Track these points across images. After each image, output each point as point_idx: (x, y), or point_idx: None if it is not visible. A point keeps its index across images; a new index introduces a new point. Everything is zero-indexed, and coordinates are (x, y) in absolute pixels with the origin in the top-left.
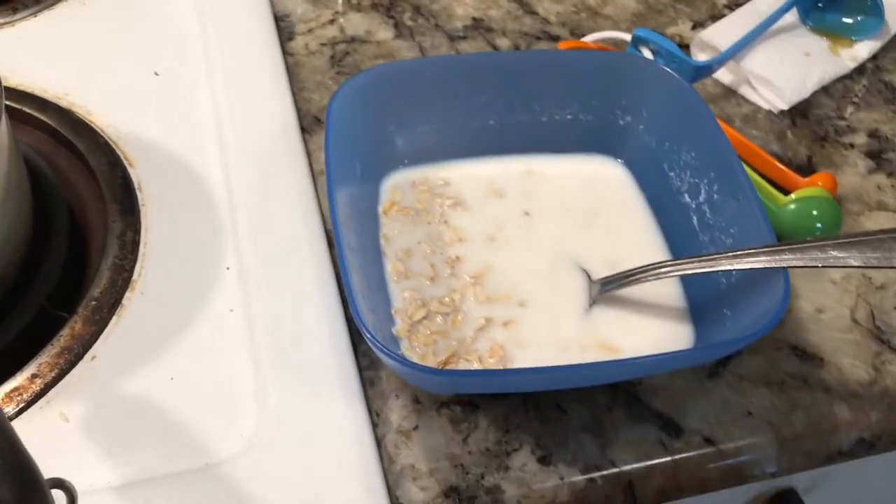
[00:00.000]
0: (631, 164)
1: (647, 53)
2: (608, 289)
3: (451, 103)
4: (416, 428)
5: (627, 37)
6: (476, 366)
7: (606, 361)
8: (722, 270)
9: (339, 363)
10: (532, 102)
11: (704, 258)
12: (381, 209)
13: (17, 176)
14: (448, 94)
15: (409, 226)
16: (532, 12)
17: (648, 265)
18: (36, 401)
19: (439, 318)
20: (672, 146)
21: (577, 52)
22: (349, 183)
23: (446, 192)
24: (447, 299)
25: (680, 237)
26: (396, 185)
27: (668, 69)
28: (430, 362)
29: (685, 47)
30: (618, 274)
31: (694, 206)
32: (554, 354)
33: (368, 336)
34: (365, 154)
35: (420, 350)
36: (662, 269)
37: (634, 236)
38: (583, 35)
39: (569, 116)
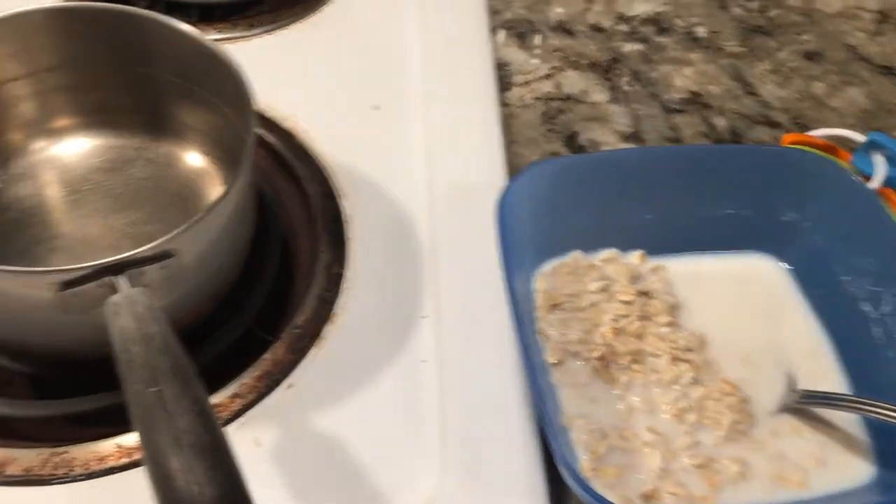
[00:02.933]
0: (793, 264)
1: (878, 160)
2: (805, 403)
3: (611, 197)
4: None
5: (858, 137)
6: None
7: None
8: None
9: (524, 443)
10: (693, 198)
11: None
12: (537, 301)
13: (251, 198)
14: (609, 189)
15: (567, 318)
16: (753, 94)
17: (863, 399)
18: (233, 420)
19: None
20: (846, 249)
21: (747, 148)
22: (519, 274)
23: (603, 283)
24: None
25: (856, 347)
26: (551, 273)
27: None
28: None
29: None
30: (824, 393)
31: (876, 316)
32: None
33: (578, 486)
34: (528, 244)
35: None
36: (879, 410)
37: (797, 340)
38: (806, 125)
39: (729, 212)
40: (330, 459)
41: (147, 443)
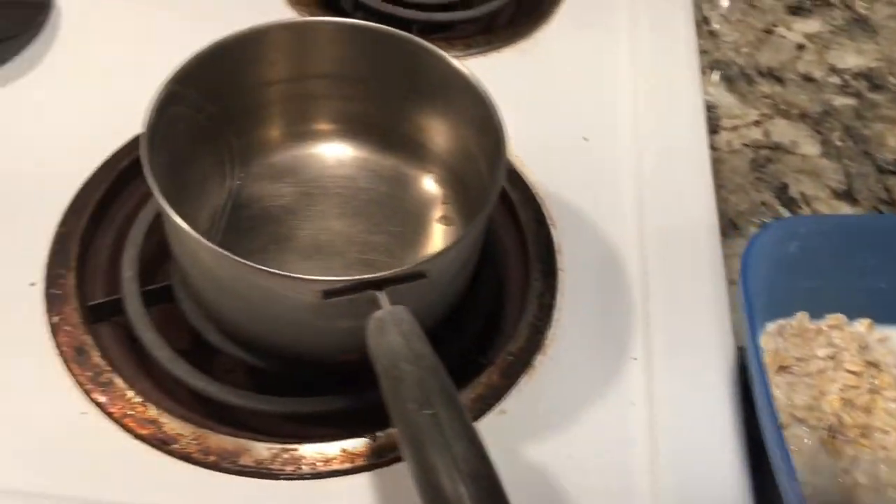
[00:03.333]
0: None
1: None
2: None
3: (841, 260)
4: None
5: None
6: None
7: None
8: None
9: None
10: None
11: None
12: (765, 360)
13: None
14: (840, 252)
15: (794, 382)
16: None
17: None
18: None
19: None
20: None
21: None
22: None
23: (830, 350)
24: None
25: None
26: (777, 333)
27: None
28: None
29: None
30: None
31: None
32: None
33: None
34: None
35: None
36: None
37: None
38: None
39: None
40: (535, 490)
41: (420, 463)
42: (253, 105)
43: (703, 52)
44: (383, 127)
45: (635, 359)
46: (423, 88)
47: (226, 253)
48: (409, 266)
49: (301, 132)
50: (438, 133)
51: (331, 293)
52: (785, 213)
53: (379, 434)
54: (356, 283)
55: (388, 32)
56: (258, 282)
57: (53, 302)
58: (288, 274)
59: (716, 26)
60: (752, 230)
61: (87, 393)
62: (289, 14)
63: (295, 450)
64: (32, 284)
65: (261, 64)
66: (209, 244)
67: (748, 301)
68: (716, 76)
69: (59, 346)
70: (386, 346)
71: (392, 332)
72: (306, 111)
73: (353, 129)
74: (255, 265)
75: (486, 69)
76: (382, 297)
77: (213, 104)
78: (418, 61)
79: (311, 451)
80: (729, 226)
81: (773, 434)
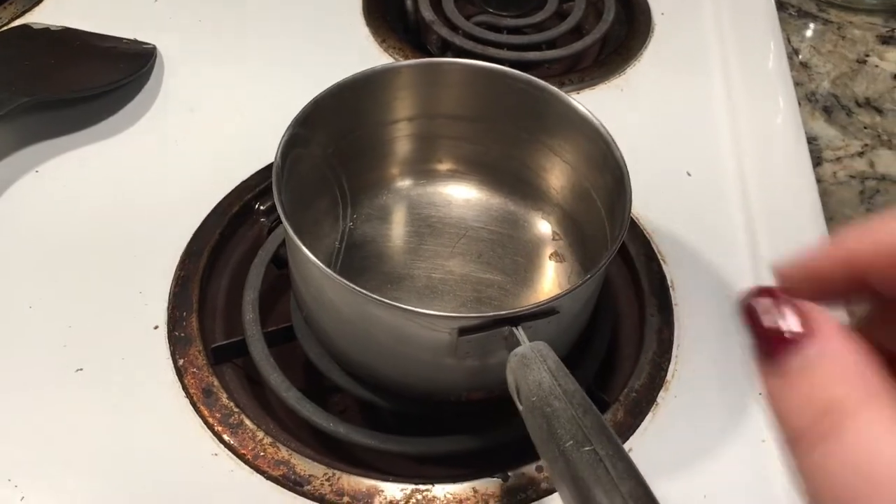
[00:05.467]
0: None
1: None
2: None
3: None
4: None
5: None
6: None
7: None
8: None
9: None
10: None
11: None
12: None
13: None
14: None
15: None
16: None
17: None
18: None
19: None
20: None
21: None
22: None
23: None
24: None
25: None
26: None
27: None
28: None
29: None
30: None
31: None
32: None
33: None
34: None
35: None
36: None
37: None
38: None
39: None
40: None
41: (588, 502)
42: (369, 145)
43: (797, 83)
44: (494, 166)
45: (761, 394)
46: (541, 127)
47: (361, 290)
48: (543, 302)
49: (414, 171)
50: (551, 172)
51: (466, 330)
52: None
53: (510, 474)
54: (492, 320)
55: (512, 74)
56: (390, 319)
57: (178, 344)
58: (424, 311)
59: (807, 57)
60: None
61: (218, 435)
62: (384, 58)
63: (428, 491)
64: (156, 328)
65: (382, 104)
66: (342, 280)
67: None
68: (813, 108)
69: (186, 388)
70: (534, 383)
71: (538, 368)
72: (422, 151)
73: (465, 168)
74: (392, 302)
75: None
76: (520, 332)
77: (331, 145)
78: (537, 100)
79: (444, 493)
80: None
81: None
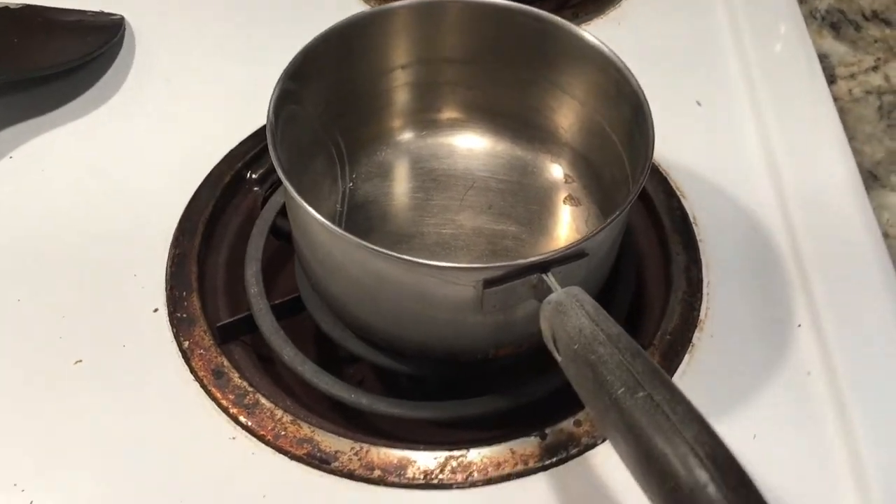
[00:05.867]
0: None
1: None
2: None
3: None
4: None
5: None
6: None
7: None
8: None
9: None
10: None
11: None
12: None
13: None
14: None
15: None
16: None
17: None
18: None
19: None
20: None
21: None
22: None
23: None
24: None
25: None
26: None
27: None
28: None
29: None
30: None
31: None
32: None
33: None
34: None
35: None
36: None
37: None
38: None
39: None
40: None
41: (645, 452)
42: (364, 97)
43: (800, 1)
44: (498, 111)
45: (800, 326)
46: (545, 64)
47: (374, 247)
48: (572, 245)
49: (413, 123)
50: (559, 111)
51: (492, 282)
52: None
53: (547, 431)
54: (520, 268)
55: (515, 8)
56: (407, 277)
57: (181, 326)
58: (446, 264)
59: None
60: (894, 179)
61: (234, 417)
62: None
63: (463, 456)
64: (156, 310)
65: (375, 51)
66: (352, 238)
67: None
68: (819, 26)
69: (194, 370)
70: (573, 330)
71: (577, 313)
72: (420, 100)
73: (467, 116)
74: (410, 258)
75: None
76: (550, 279)
77: (323, 100)
78: (541, 35)
79: (479, 457)
80: (868, 177)
81: None
